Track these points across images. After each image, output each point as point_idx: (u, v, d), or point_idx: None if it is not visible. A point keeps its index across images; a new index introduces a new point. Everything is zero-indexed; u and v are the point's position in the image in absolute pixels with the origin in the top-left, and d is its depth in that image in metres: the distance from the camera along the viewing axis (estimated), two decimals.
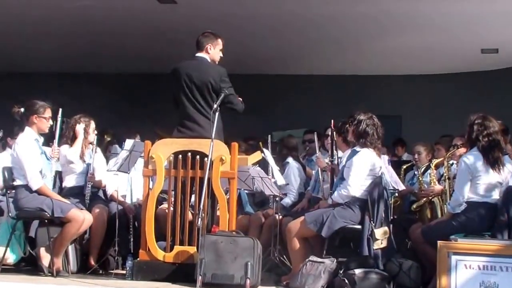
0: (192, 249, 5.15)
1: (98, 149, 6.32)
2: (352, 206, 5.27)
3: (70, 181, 6.04)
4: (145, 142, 5.42)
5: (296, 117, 10.08)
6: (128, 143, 6.00)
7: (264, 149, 6.15)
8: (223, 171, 5.21)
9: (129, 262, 5.38)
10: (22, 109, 5.62)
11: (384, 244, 5.20)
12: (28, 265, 5.88)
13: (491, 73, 10.25)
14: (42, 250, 5.53)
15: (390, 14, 8.10)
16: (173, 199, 5.36)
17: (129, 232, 6.02)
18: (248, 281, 4.75)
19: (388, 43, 9.19)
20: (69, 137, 6.07)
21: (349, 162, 5.37)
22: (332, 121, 6.07)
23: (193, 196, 5.34)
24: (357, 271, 4.97)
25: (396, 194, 6.18)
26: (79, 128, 6.03)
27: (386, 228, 5.24)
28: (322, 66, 10.50)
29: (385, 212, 5.29)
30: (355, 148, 5.43)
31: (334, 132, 5.96)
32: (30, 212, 5.50)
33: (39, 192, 5.47)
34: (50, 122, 5.67)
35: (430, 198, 5.88)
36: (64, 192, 5.94)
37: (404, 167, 6.65)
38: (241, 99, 5.50)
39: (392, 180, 5.82)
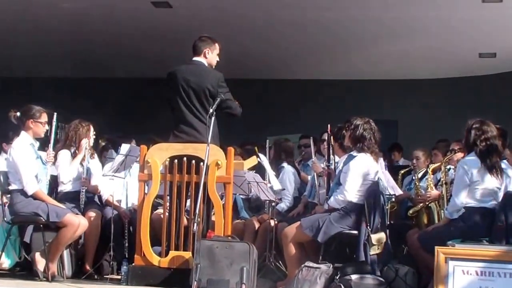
0: (187, 254, 5.12)
1: (95, 155, 6.29)
2: (349, 211, 5.24)
3: (66, 186, 6.00)
4: (141, 147, 5.40)
5: (292, 122, 10.07)
6: (124, 147, 5.98)
7: (260, 154, 6.12)
8: (218, 176, 5.18)
9: (124, 267, 5.36)
10: (18, 113, 5.60)
11: (380, 249, 5.17)
12: (23, 270, 5.85)
13: (489, 78, 10.25)
14: (37, 255, 5.50)
15: (387, 19, 8.10)
16: (168, 204, 5.33)
17: (124, 237, 6.00)
18: (243, 287, 4.72)
19: (384, 48, 9.19)
20: (72, 141, 6.03)
21: (345, 167, 5.34)
22: (329, 125, 6.05)
23: (188, 201, 5.31)
24: (353, 277, 4.94)
25: (393, 199, 6.15)
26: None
27: (382, 234, 5.21)
28: (318, 71, 10.50)
29: (382, 217, 5.26)
30: (351, 153, 5.41)
31: (331, 137, 5.94)
32: (25, 217, 5.47)
33: (34, 197, 5.44)
34: (46, 127, 5.66)
35: (427, 203, 5.86)
36: (59, 196, 5.91)
37: (402, 172, 6.63)
38: (237, 103, 5.48)
39: (389, 185, 5.80)
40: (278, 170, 6.65)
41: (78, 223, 5.42)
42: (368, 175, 5.30)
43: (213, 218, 5.36)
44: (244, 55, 9.57)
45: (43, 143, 5.89)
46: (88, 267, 5.83)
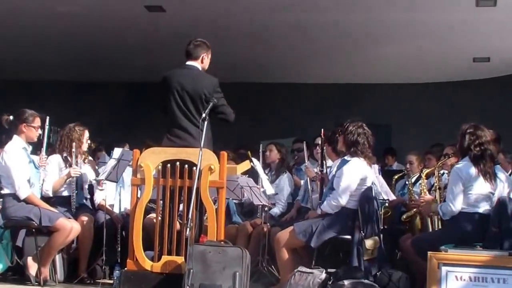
0: (180, 259, 5.09)
1: (91, 159, 6.27)
2: (342, 216, 5.23)
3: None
4: (134, 151, 5.37)
5: (285, 126, 10.06)
6: (117, 151, 5.96)
7: (253, 159, 6.10)
8: (211, 180, 5.15)
9: (117, 271, 5.34)
10: (11, 117, 5.58)
11: (374, 254, 5.17)
12: (15, 274, 5.81)
13: (482, 82, 10.26)
14: (30, 259, 5.48)
15: (381, 23, 8.10)
16: (161, 209, 5.31)
17: (116, 241, 5.97)
18: None
19: (378, 51, 9.20)
20: (64, 146, 5.99)
21: (339, 172, 5.34)
22: (322, 130, 6.05)
23: (181, 205, 5.29)
24: (347, 282, 4.92)
25: (387, 204, 6.15)
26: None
27: (376, 239, 5.21)
28: (312, 75, 10.50)
29: (375, 222, 5.25)
30: (345, 157, 5.40)
31: (325, 142, 5.93)
32: (17, 221, 5.46)
33: (27, 201, 5.42)
34: (39, 131, 5.64)
35: (420, 208, 5.84)
36: (52, 201, 5.88)
37: (396, 177, 6.62)
38: (231, 109, 5.46)
39: (383, 190, 5.80)
40: (278, 175, 6.66)
41: (70, 228, 5.40)
42: (361, 180, 5.29)
43: (206, 222, 5.35)
44: (237, 59, 9.57)
45: (36, 147, 5.86)
46: (81, 272, 5.80)
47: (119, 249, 5.93)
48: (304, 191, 6.43)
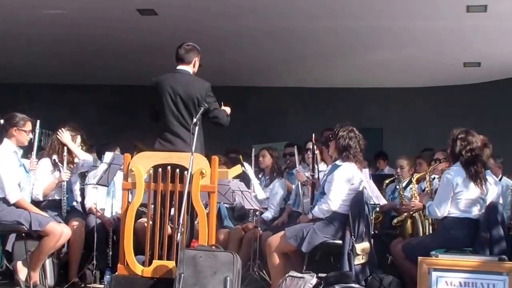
0: (171, 264, 5.08)
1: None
2: (333, 221, 5.24)
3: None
4: (125, 155, 5.35)
5: (277, 130, 10.06)
6: (108, 156, 5.94)
7: (245, 163, 6.11)
8: (203, 185, 5.14)
9: (107, 276, 5.33)
10: (2, 121, 5.55)
11: (365, 259, 5.18)
12: (5, 279, 5.76)
13: (473, 87, 10.31)
14: (19, 264, 5.45)
15: (373, 29, 8.13)
16: (152, 213, 5.30)
17: (107, 246, 5.95)
18: None
19: (370, 56, 9.22)
20: (54, 150, 5.97)
21: (330, 176, 5.34)
22: (313, 134, 6.05)
23: (172, 210, 5.28)
24: (338, 287, 4.92)
25: (378, 209, 6.16)
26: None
27: (367, 243, 5.22)
28: (304, 79, 10.51)
29: (366, 227, 5.26)
30: (336, 162, 5.41)
31: (322, 143, 5.94)
32: (7, 226, 5.41)
33: (17, 205, 5.39)
34: (30, 135, 5.62)
35: (411, 213, 5.87)
36: (42, 205, 5.85)
37: (387, 181, 6.63)
38: (227, 111, 5.44)
39: (373, 194, 5.81)
40: (272, 179, 6.67)
41: (60, 232, 5.37)
42: (352, 185, 5.30)
43: (197, 227, 5.34)
44: (229, 63, 9.57)
45: (26, 151, 5.84)
46: (72, 276, 5.77)
47: (110, 253, 5.91)
48: (295, 195, 6.44)
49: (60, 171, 5.89)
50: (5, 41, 8.90)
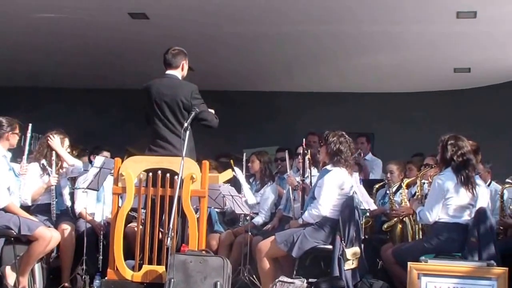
0: (161, 269, 5.07)
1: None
2: (323, 226, 5.25)
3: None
4: (115, 160, 5.35)
5: (269, 134, 10.06)
6: (98, 160, 5.93)
7: (236, 168, 6.11)
8: (193, 189, 5.15)
9: (97, 281, 5.31)
10: None
11: (355, 264, 5.18)
12: None
13: (463, 92, 10.35)
14: (8, 269, 5.41)
15: (364, 33, 8.14)
16: (142, 218, 5.29)
17: (97, 250, 5.93)
18: None
19: (361, 61, 9.24)
20: (42, 154, 5.95)
21: (320, 181, 5.35)
22: (304, 139, 6.06)
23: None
24: None
25: (368, 214, 6.17)
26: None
27: (357, 248, 5.22)
28: (296, 84, 10.51)
29: (357, 232, 5.27)
30: (326, 167, 5.42)
31: (306, 147, 5.95)
32: None
33: (6, 210, 5.36)
34: (17, 137, 5.60)
35: (401, 217, 5.88)
36: (32, 209, 5.82)
37: (376, 186, 6.65)
38: (214, 114, 5.45)
39: (364, 199, 5.82)
40: (263, 184, 6.66)
41: (50, 237, 5.34)
42: (342, 190, 5.32)
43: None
44: (220, 67, 9.56)
45: (16, 154, 5.81)
46: (64, 281, 5.76)
47: (100, 258, 5.89)
48: (286, 200, 6.44)
49: (49, 175, 5.86)
50: None
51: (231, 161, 6.65)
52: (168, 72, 5.41)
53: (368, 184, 6.58)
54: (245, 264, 5.93)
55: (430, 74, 9.74)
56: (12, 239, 5.36)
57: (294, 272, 5.19)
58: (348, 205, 5.26)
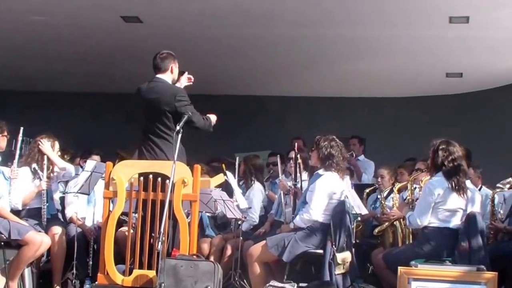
0: (151, 273, 5.05)
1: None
2: (314, 230, 5.25)
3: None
4: (107, 164, 5.33)
5: (261, 139, 10.06)
6: (89, 164, 5.92)
7: (227, 172, 6.10)
8: (185, 193, 5.14)
9: (87, 285, 5.29)
10: None
11: (345, 269, 5.19)
12: None
13: (455, 97, 10.39)
14: None
15: (356, 37, 8.16)
16: (133, 222, 5.28)
17: (88, 255, 5.91)
18: None
19: (353, 66, 9.26)
20: (33, 159, 5.93)
21: (311, 186, 5.36)
22: (296, 144, 6.06)
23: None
24: None
25: (359, 218, 6.18)
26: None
27: (348, 253, 5.23)
28: (288, 88, 10.53)
29: (348, 236, 5.28)
30: (318, 171, 5.42)
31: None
32: None
33: None
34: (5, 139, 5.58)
35: (392, 221, 5.89)
36: (22, 213, 5.80)
37: (367, 190, 6.66)
38: (212, 119, 5.43)
39: (355, 204, 5.82)
40: (247, 187, 6.64)
41: (40, 241, 5.30)
42: (334, 194, 5.32)
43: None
44: (213, 71, 9.55)
45: (6, 158, 5.79)
46: (55, 286, 5.73)
47: (90, 262, 5.87)
48: (278, 205, 6.44)
49: (40, 180, 5.84)
50: None
51: (223, 165, 6.65)
52: (157, 76, 5.41)
53: (359, 189, 6.59)
54: (236, 268, 5.92)
55: (423, 78, 9.77)
56: (2, 243, 5.31)
57: (285, 277, 5.19)
58: (340, 209, 5.26)
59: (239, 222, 6.03)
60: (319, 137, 5.45)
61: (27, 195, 5.80)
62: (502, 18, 7.28)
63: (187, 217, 5.20)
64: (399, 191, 6.07)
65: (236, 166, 6.65)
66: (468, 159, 5.87)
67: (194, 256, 4.99)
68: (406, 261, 4.87)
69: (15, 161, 5.85)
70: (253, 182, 6.73)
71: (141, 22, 7.85)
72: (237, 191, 6.09)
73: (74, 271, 5.72)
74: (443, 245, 5.05)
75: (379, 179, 6.59)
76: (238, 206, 6.00)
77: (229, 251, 6.17)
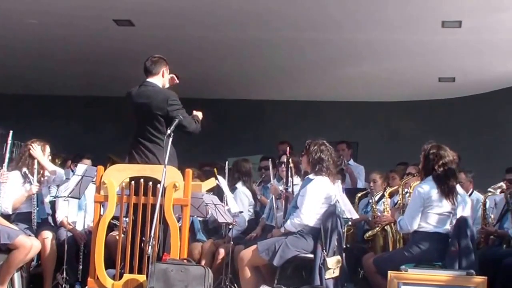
0: (141, 278, 5.03)
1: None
2: (305, 234, 5.24)
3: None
4: (97, 167, 5.32)
5: (254, 143, 10.06)
6: (80, 168, 5.90)
7: (219, 176, 6.09)
8: (176, 198, 5.12)
9: None
10: None
11: (336, 273, 5.18)
12: None
13: (448, 102, 10.41)
14: None
15: (350, 41, 8.19)
16: (124, 226, 5.26)
17: (78, 259, 5.89)
18: None
19: (346, 70, 9.29)
20: (24, 163, 5.91)
21: (302, 190, 5.35)
22: (288, 148, 6.06)
23: None
24: None
25: (350, 223, 6.18)
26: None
27: (338, 257, 5.22)
28: (281, 92, 10.55)
29: (338, 241, 5.26)
30: (309, 176, 5.42)
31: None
32: None
33: None
34: None
35: (382, 226, 5.89)
36: (12, 217, 5.77)
37: (359, 195, 6.67)
38: (199, 116, 5.42)
39: (346, 208, 5.82)
40: (232, 190, 6.62)
41: (30, 245, 5.29)
42: (325, 199, 5.32)
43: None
44: (205, 75, 9.57)
45: None
46: None
47: (81, 267, 5.85)
48: (270, 209, 6.43)
49: (30, 184, 5.82)
50: None
51: (215, 169, 6.64)
52: (148, 79, 5.40)
53: (351, 193, 6.59)
54: (226, 273, 5.91)
55: (415, 83, 9.80)
56: None
57: (276, 281, 5.17)
58: (330, 214, 5.26)
59: (230, 227, 6.01)
60: (309, 142, 5.45)
61: (17, 199, 5.77)
62: (494, 22, 7.31)
63: (179, 222, 5.19)
64: (391, 195, 6.08)
65: (226, 170, 6.62)
66: (458, 164, 5.87)
67: (185, 261, 4.98)
68: (397, 266, 4.87)
69: (5, 164, 5.81)
70: (241, 182, 6.70)
71: (133, 25, 7.85)
72: (229, 195, 6.07)
73: (64, 275, 5.68)
74: (433, 249, 5.05)
75: (371, 184, 6.60)
76: (229, 210, 5.99)
77: (221, 255, 6.15)
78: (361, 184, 7.83)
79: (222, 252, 6.15)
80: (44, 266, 5.79)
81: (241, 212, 6.35)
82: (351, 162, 8.32)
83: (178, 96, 5.36)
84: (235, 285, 5.83)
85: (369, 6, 7.11)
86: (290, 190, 5.93)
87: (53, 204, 6.31)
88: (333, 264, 5.15)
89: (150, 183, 5.09)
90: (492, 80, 9.51)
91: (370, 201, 6.35)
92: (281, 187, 6.13)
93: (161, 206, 4.90)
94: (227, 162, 6.76)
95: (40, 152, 5.92)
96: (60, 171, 6.09)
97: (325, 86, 10.10)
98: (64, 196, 5.90)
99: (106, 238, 5.21)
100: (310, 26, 7.67)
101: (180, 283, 4.75)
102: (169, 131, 5.01)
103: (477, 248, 5.39)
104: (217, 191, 6.19)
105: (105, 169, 5.23)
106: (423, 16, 7.33)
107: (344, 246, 5.55)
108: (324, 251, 5.13)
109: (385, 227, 5.84)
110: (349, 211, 5.85)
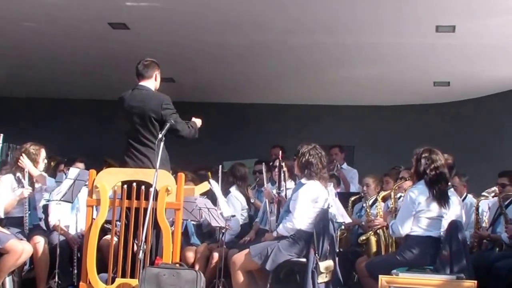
0: (134, 282, 5.02)
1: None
2: (298, 239, 5.24)
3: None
4: (90, 171, 5.31)
5: (248, 147, 10.06)
6: (73, 171, 5.89)
7: (212, 180, 6.08)
8: (168, 202, 5.12)
9: None
10: None
11: (328, 277, 5.18)
12: None
13: (443, 106, 10.42)
14: None
15: (345, 45, 8.19)
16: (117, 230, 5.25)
17: (72, 263, 5.87)
18: None
19: (342, 73, 9.29)
20: (18, 168, 5.89)
21: (294, 195, 5.35)
22: (280, 152, 6.06)
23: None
24: None
25: (343, 227, 6.18)
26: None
27: (331, 261, 5.22)
28: (276, 96, 10.55)
29: (331, 245, 5.26)
30: (300, 180, 5.42)
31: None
32: None
33: None
34: None
35: (375, 229, 5.89)
36: (4, 221, 5.76)
37: (352, 199, 6.67)
38: (198, 123, 5.42)
39: (339, 212, 5.82)
40: (226, 194, 6.62)
41: (21, 250, 5.28)
42: (317, 203, 5.32)
43: None
44: (201, 78, 9.57)
45: None
46: None
47: (75, 271, 5.83)
48: (263, 213, 6.43)
49: (23, 188, 5.81)
50: None
51: (209, 173, 6.63)
52: (141, 83, 5.40)
53: (344, 197, 6.59)
54: (219, 277, 5.90)
55: (410, 87, 9.81)
56: None
57: (268, 285, 5.18)
58: (323, 218, 5.25)
59: (223, 231, 6.00)
60: (300, 145, 5.45)
61: (8, 202, 5.75)
62: (488, 26, 7.32)
63: (172, 226, 5.18)
64: (384, 199, 6.08)
65: (219, 174, 6.61)
66: (452, 168, 5.89)
67: (177, 265, 4.97)
68: (389, 270, 4.87)
69: None
70: (234, 186, 6.70)
71: (128, 28, 7.85)
72: (221, 199, 6.07)
73: (56, 279, 5.67)
74: (425, 253, 5.05)
75: (365, 188, 6.60)
76: (221, 214, 5.99)
77: (215, 259, 6.15)
78: (354, 188, 7.83)
79: (216, 256, 6.15)
80: (37, 271, 5.78)
81: (233, 216, 6.34)
82: (345, 166, 8.33)
83: (173, 100, 5.36)
84: None
85: (363, 11, 7.11)
86: (283, 194, 5.92)
87: (45, 208, 6.30)
88: (325, 268, 5.15)
89: (143, 187, 5.09)
90: (487, 85, 9.52)
91: (364, 205, 6.35)
92: (274, 191, 6.13)
93: (153, 210, 4.89)
94: (220, 166, 6.75)
95: (29, 163, 5.85)
96: (50, 182, 6.04)
97: (320, 90, 10.11)
98: (57, 200, 5.88)
99: (99, 242, 5.22)
100: (304, 30, 7.67)
101: (172, 287, 4.75)
102: (160, 135, 5.01)
103: (470, 252, 5.39)
104: (210, 195, 6.19)
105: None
106: (417, 21, 7.34)
107: (338, 250, 5.55)
108: (316, 255, 5.13)
109: (378, 231, 5.83)
110: (342, 215, 5.85)
